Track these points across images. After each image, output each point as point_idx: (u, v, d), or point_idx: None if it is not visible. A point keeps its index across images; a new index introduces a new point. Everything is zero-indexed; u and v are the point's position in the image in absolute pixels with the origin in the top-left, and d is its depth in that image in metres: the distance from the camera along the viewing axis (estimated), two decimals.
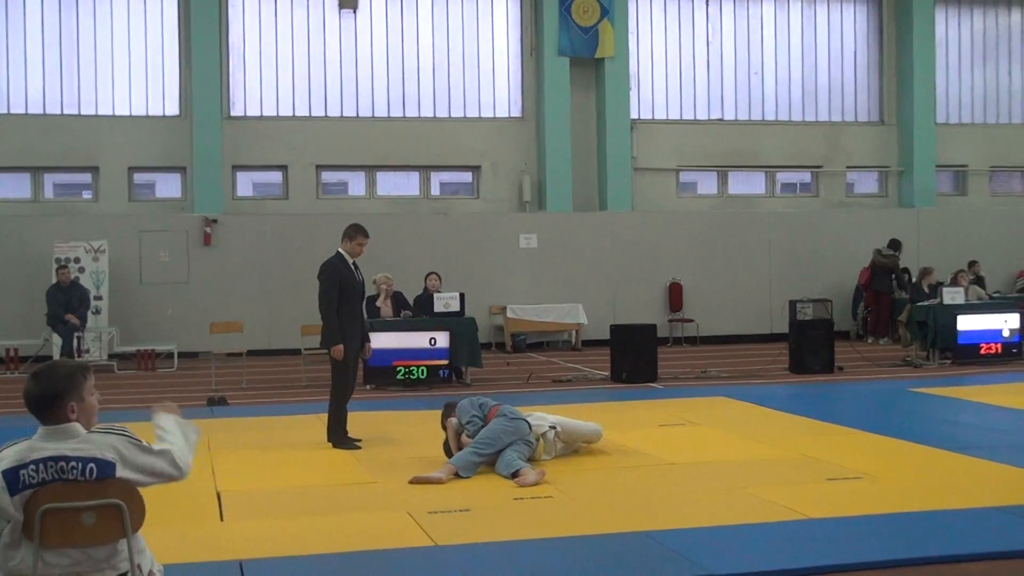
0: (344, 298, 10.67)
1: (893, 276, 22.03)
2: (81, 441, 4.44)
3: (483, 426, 9.34)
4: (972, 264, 22.02)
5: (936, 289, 19.15)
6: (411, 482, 8.84)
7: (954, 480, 8.76)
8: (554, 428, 9.77)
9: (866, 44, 25.46)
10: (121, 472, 4.42)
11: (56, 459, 4.38)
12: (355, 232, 10.89)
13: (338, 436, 10.61)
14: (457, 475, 8.99)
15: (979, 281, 21.35)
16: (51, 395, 4.43)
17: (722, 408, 13.32)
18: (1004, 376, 16.18)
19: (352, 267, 10.89)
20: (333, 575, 6.48)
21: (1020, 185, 26.50)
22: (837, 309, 19.83)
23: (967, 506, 7.80)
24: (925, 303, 18.70)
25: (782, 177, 25.14)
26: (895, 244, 22.21)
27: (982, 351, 18.01)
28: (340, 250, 10.92)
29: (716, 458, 9.93)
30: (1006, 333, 18.19)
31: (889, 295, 21.83)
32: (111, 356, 19.38)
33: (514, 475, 8.84)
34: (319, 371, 16.94)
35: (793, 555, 6.64)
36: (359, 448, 10.49)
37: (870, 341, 22.04)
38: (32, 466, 4.36)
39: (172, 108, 22.11)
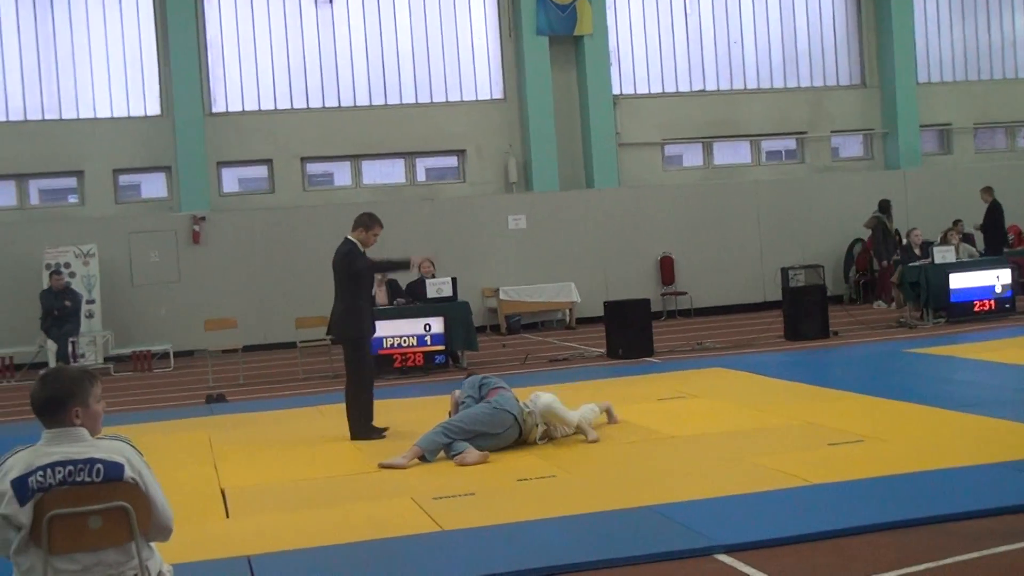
0: (362, 285, 10.61)
1: (885, 238, 21.92)
2: (87, 445, 4.43)
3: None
4: (956, 223, 22.03)
5: (927, 249, 19.17)
6: (380, 466, 8.98)
7: (954, 438, 8.80)
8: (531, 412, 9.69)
9: (844, 6, 25.47)
10: (129, 473, 4.42)
11: (64, 463, 4.37)
12: (371, 222, 10.55)
13: (365, 427, 10.43)
14: (423, 459, 9.05)
15: (969, 239, 21.40)
16: (57, 399, 4.42)
17: (719, 379, 13.35)
18: (998, 332, 16.27)
19: (364, 256, 10.66)
20: (341, 566, 6.46)
21: (1004, 141, 26.58)
22: (829, 274, 19.93)
23: (968, 463, 7.82)
24: (917, 263, 18.74)
25: (767, 145, 25.18)
26: (885, 205, 22.15)
27: (976, 308, 18.09)
28: (350, 238, 10.57)
29: (717, 429, 9.95)
30: (998, 289, 18.25)
31: (890, 258, 21.48)
32: (107, 359, 19.36)
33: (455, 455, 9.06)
34: (315, 363, 17.00)
35: (798, 522, 6.65)
36: (384, 438, 10.34)
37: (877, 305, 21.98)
38: (40, 472, 4.35)
39: (153, 108, 22.05)
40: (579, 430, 9.77)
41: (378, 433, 10.42)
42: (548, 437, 9.63)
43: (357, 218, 10.67)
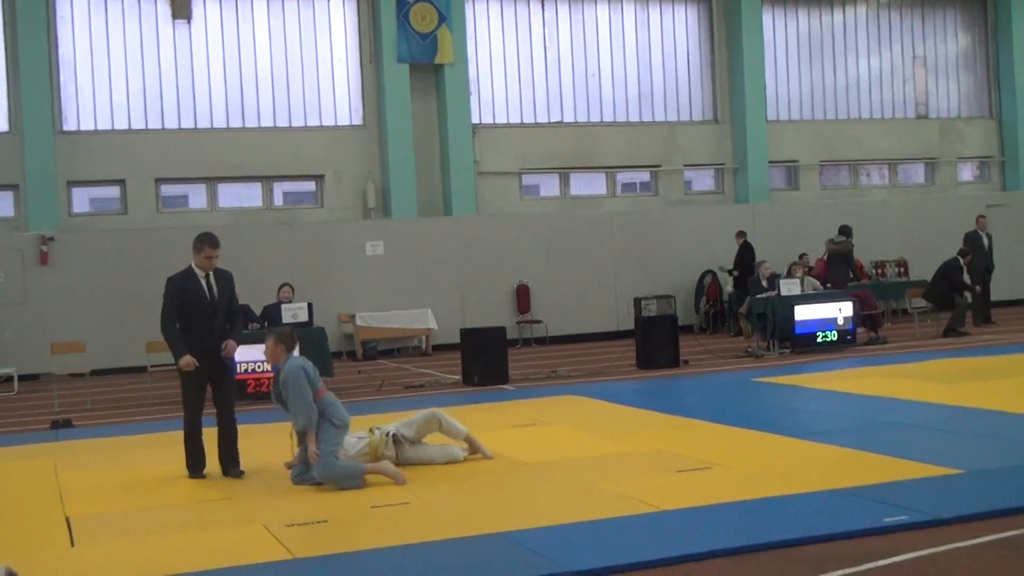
0: (190, 312, 9.84)
1: (846, 262, 21.59)
2: None
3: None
4: (802, 257, 22.59)
5: (773, 281, 19.57)
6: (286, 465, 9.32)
7: (795, 465, 9.01)
8: (392, 435, 9.78)
9: (698, 45, 26.01)
10: None
11: None
12: (201, 243, 10.00)
13: (188, 463, 9.97)
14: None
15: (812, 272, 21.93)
16: None
17: (572, 406, 13.43)
18: (840, 363, 16.69)
19: (202, 280, 9.99)
20: None
21: (848, 178, 27.40)
22: (680, 304, 20.22)
23: (810, 490, 8.01)
24: (764, 295, 19.15)
25: (622, 177, 25.54)
26: (845, 230, 21.91)
27: (818, 339, 18.54)
28: (192, 263, 10.06)
29: (568, 456, 10.01)
30: (840, 321, 18.75)
31: (846, 284, 21.20)
32: None
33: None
34: (167, 388, 16.64)
35: (647, 547, 6.73)
36: (204, 477, 9.89)
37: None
38: None
39: (1, 124, 21.41)
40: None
41: (197, 473, 9.94)
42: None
43: (194, 240, 10.18)
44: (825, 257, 21.99)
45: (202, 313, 9.84)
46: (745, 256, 22.66)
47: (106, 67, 22.09)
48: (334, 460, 9.05)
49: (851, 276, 21.76)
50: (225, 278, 10.04)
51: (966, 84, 28.39)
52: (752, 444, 10.11)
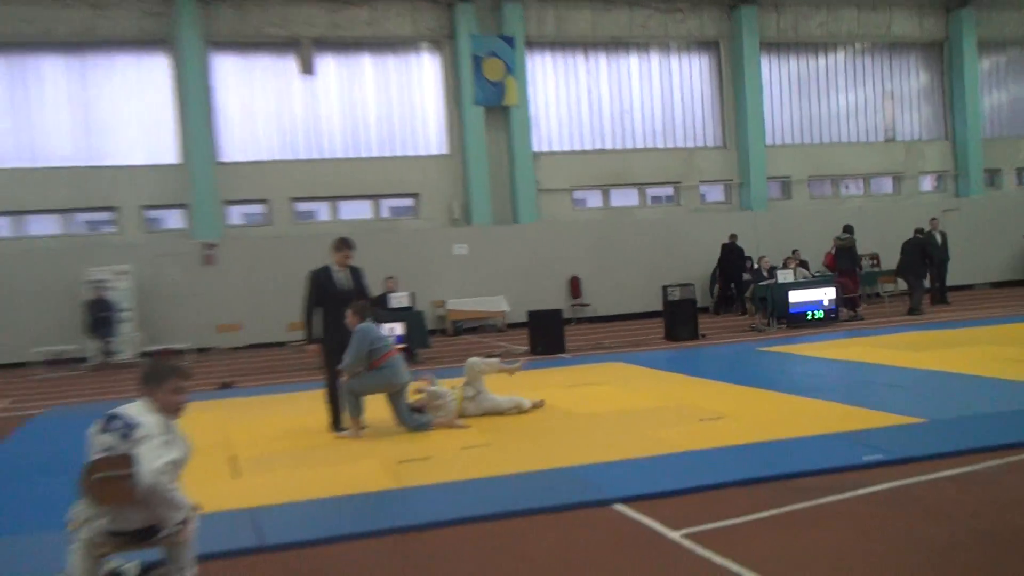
0: (329, 299, 9.59)
1: (850, 254, 21.08)
2: (139, 415, 4.51)
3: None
4: (794, 252, 22.41)
5: (772, 272, 19.50)
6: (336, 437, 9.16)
7: (792, 415, 8.96)
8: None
9: (710, 86, 25.83)
10: (137, 434, 4.49)
11: (119, 417, 4.57)
12: (341, 245, 9.75)
13: (332, 420, 9.71)
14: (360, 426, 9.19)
15: (804, 264, 21.78)
16: (140, 379, 4.70)
17: (615, 370, 13.44)
18: (826, 335, 16.55)
19: (338, 273, 9.70)
20: (323, 514, 6.45)
21: (830, 190, 27.08)
22: (698, 290, 20.15)
23: (802, 435, 7.99)
24: (765, 283, 19.05)
25: (651, 192, 25.44)
26: (849, 228, 21.54)
27: (808, 317, 18.41)
28: (331, 261, 9.76)
29: (612, 408, 10.02)
30: (825, 303, 18.61)
31: (854, 271, 20.80)
32: (141, 354, 19.10)
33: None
34: (302, 358, 16.88)
35: (676, 479, 6.76)
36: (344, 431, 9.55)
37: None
38: (115, 419, 4.58)
39: (174, 158, 21.80)
40: (516, 406, 10.00)
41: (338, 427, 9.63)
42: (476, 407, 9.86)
43: (333, 242, 9.90)
44: (833, 250, 21.69)
45: (337, 299, 9.73)
46: (728, 257, 22.54)
47: (251, 112, 22.40)
48: (355, 389, 9.21)
49: (855, 265, 21.16)
50: (356, 273, 9.88)
51: (926, 113, 27.93)
52: (757, 399, 10.08)
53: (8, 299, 19.70)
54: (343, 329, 9.43)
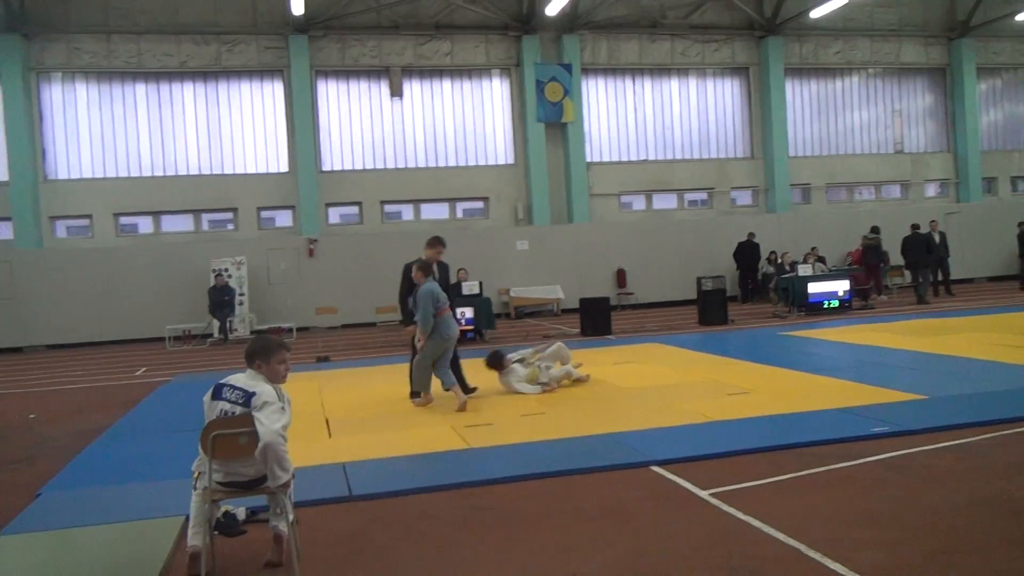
0: (410, 291, 9.31)
1: (876, 251, 20.58)
2: (254, 384, 4.55)
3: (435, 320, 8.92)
4: (813, 249, 22.01)
5: (794, 266, 19.18)
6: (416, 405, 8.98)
7: (809, 391, 8.81)
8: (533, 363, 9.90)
9: (740, 105, 25.41)
10: (256, 401, 4.47)
11: (233, 387, 4.55)
12: (436, 242, 9.55)
13: (463, 385, 9.51)
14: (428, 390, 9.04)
15: (822, 260, 21.36)
16: (250, 353, 4.68)
17: (655, 350, 13.34)
18: (840, 322, 16.24)
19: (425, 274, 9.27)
20: (403, 470, 6.50)
21: (846, 195, 26.49)
22: (728, 282, 19.88)
23: (817, 408, 7.84)
24: (787, 275, 18.73)
25: (688, 196, 25.13)
26: (876, 229, 21.09)
27: (825, 306, 18.06)
28: (424, 255, 9.50)
29: (652, 383, 9.95)
30: (840, 293, 18.23)
31: (879, 266, 20.49)
32: (252, 332, 19.45)
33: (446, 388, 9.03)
34: (389, 336, 17.04)
35: (706, 445, 6.69)
36: (475, 389, 9.48)
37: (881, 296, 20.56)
38: (227, 388, 4.56)
39: (284, 167, 22.11)
40: (567, 375, 9.98)
41: (418, 396, 9.41)
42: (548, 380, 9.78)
43: (428, 240, 9.65)
44: (861, 248, 21.25)
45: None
46: (743, 252, 22.18)
47: (348, 128, 22.60)
48: (426, 361, 9.00)
49: (880, 261, 20.66)
50: (443, 266, 9.66)
51: (931, 128, 27.13)
52: (778, 377, 9.93)
53: (147, 284, 20.19)
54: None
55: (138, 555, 4.70)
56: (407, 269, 9.51)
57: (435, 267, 9.36)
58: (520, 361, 9.89)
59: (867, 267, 20.11)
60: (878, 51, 26.25)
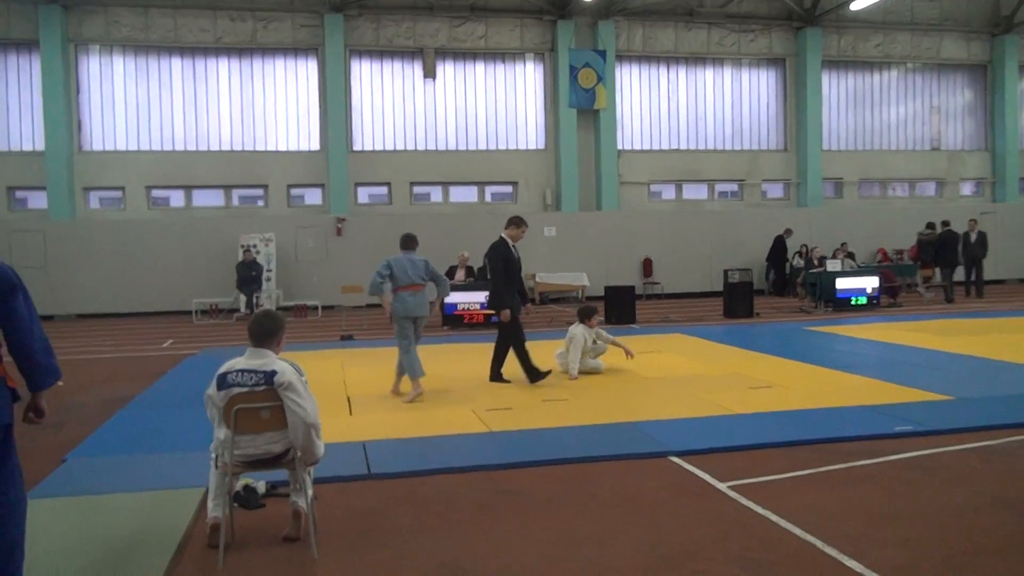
0: (507, 271, 9.26)
1: (931, 247, 20.16)
2: (268, 362, 4.53)
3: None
4: (843, 244, 21.77)
5: (822, 261, 18.99)
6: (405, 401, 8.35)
7: (833, 388, 8.74)
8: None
9: (775, 96, 25.13)
10: (280, 380, 4.46)
11: (243, 371, 4.49)
12: (520, 222, 9.33)
13: (496, 372, 9.40)
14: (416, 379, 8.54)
15: (851, 256, 21.11)
16: (268, 332, 4.59)
17: (679, 341, 13.29)
18: (867, 319, 16.08)
19: (513, 248, 9.34)
20: (422, 451, 6.53)
21: (879, 191, 26.16)
22: (755, 274, 19.72)
23: (841, 405, 7.78)
24: (815, 270, 18.55)
25: (719, 187, 24.93)
26: (932, 225, 20.72)
27: (852, 302, 17.88)
28: (503, 235, 9.32)
29: (675, 374, 9.92)
30: (868, 290, 18.03)
31: (932, 262, 20.06)
32: (278, 308, 19.58)
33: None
34: None
35: (726, 437, 6.66)
36: (508, 382, 9.21)
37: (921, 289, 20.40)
38: (234, 374, 4.47)
39: (315, 145, 22.19)
40: (613, 343, 10.18)
41: (500, 378, 9.28)
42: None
43: (509, 219, 9.43)
44: (916, 243, 20.89)
45: (515, 267, 9.37)
46: (776, 247, 22.02)
47: (380, 109, 22.61)
48: (402, 343, 8.65)
49: (936, 256, 20.04)
50: (517, 248, 9.32)
51: (969, 126, 26.67)
52: (803, 372, 9.84)
53: (176, 258, 20.39)
54: (521, 296, 9.35)
55: (159, 524, 4.77)
56: (501, 251, 9.19)
57: (514, 247, 9.20)
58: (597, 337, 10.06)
59: (922, 264, 19.82)
60: (918, 45, 25.82)
